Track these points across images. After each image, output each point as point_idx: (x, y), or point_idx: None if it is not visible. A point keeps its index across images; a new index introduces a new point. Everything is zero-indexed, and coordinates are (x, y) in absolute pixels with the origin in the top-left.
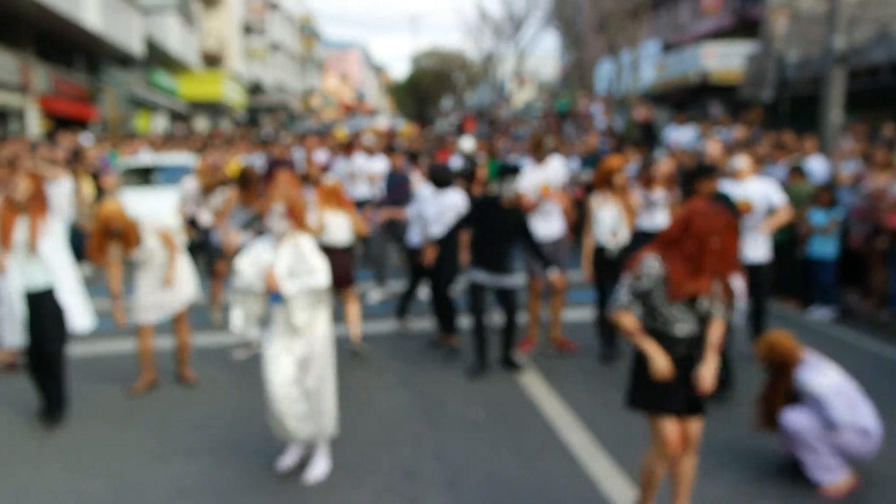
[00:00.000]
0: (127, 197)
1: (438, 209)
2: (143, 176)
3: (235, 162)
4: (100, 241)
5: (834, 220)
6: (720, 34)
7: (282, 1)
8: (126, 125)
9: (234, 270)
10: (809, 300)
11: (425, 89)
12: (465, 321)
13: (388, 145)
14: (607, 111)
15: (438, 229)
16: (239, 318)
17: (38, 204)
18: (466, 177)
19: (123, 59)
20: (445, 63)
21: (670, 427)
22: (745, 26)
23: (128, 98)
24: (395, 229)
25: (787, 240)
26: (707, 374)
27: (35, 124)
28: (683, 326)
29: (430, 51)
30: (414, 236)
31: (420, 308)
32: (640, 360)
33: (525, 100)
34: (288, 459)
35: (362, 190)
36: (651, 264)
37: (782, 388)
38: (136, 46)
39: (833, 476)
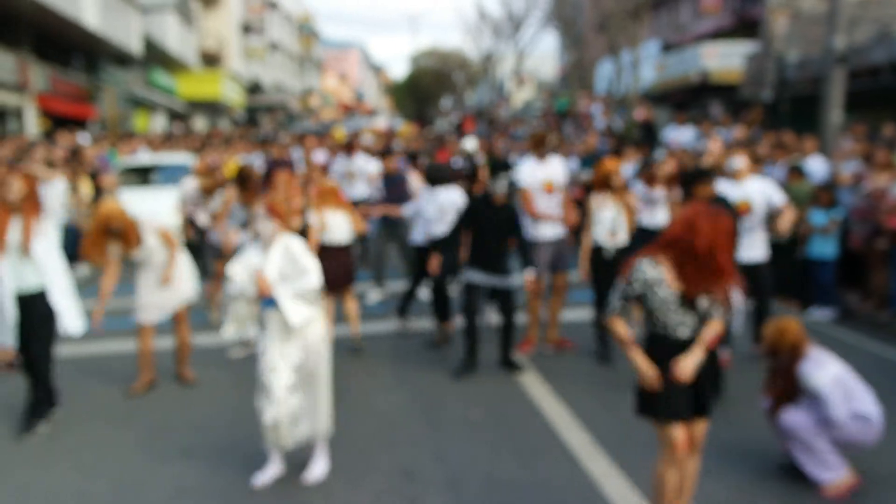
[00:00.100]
0: (125, 196)
1: (437, 208)
2: (142, 175)
3: (234, 162)
4: (96, 240)
5: (834, 221)
6: (720, 34)
7: (281, 0)
8: (124, 124)
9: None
10: (809, 301)
11: (425, 89)
12: (458, 320)
13: (386, 146)
14: (607, 111)
15: (441, 228)
16: (231, 325)
17: (31, 205)
18: (468, 177)
19: (122, 59)
20: (445, 62)
21: (678, 432)
22: (746, 26)
23: (126, 97)
24: (394, 229)
25: (787, 240)
26: (686, 363)
27: (33, 123)
28: (685, 329)
29: (429, 50)
30: (417, 235)
31: (420, 308)
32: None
33: (524, 99)
34: (267, 475)
35: (360, 190)
36: (643, 269)
37: (793, 373)
38: (134, 46)
39: (834, 475)
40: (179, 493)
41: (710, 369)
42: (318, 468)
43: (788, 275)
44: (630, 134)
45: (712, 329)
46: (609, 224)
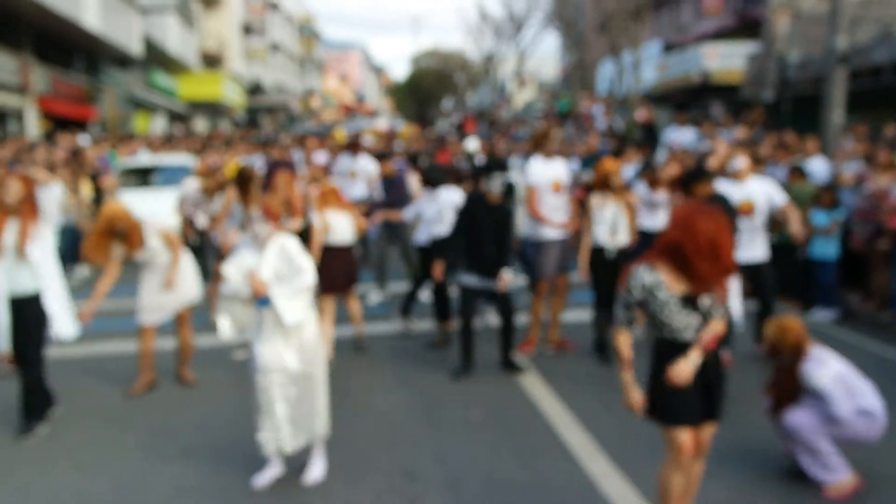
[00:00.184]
0: (125, 197)
1: (436, 209)
2: (142, 177)
3: (235, 163)
4: (100, 241)
5: (835, 221)
6: (722, 34)
7: (282, 1)
8: (125, 126)
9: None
10: (811, 301)
11: (426, 89)
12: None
13: (386, 147)
14: (608, 112)
15: (441, 229)
16: (227, 325)
17: (29, 208)
18: (472, 177)
19: (122, 60)
20: (446, 63)
21: (685, 436)
22: (747, 26)
23: (127, 98)
24: (395, 232)
25: (788, 240)
26: (682, 368)
27: (34, 125)
28: (690, 331)
29: (430, 51)
30: (421, 236)
31: (421, 309)
32: (655, 371)
33: (525, 100)
34: (266, 476)
35: (360, 190)
36: (640, 275)
37: (795, 372)
38: (135, 47)
39: (836, 476)
40: (179, 493)
41: (719, 372)
42: (316, 469)
43: (790, 275)
44: (631, 135)
45: (711, 330)
46: (609, 224)
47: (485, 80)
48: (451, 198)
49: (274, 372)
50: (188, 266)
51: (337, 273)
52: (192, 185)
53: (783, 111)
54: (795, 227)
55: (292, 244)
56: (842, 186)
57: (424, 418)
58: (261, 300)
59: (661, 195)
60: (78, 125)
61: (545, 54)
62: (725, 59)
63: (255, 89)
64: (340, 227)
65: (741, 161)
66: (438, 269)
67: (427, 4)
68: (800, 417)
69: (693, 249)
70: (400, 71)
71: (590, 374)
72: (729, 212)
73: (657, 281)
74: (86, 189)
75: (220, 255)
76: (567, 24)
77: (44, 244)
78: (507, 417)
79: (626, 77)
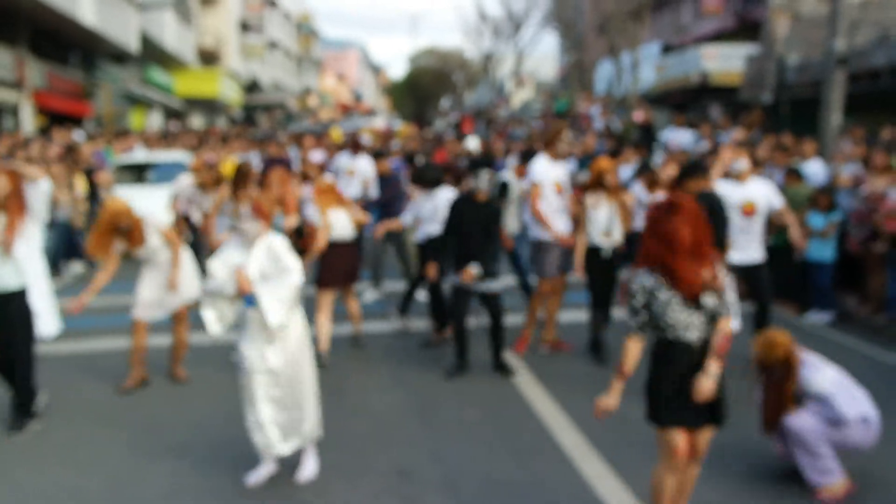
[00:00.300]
0: (120, 194)
1: (432, 208)
2: (137, 173)
3: (231, 160)
4: (104, 237)
5: (832, 224)
6: (721, 36)
7: None
8: (120, 122)
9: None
10: (807, 304)
11: (424, 88)
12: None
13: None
14: (605, 112)
15: (435, 228)
16: (213, 322)
17: (15, 203)
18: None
19: (119, 56)
20: (444, 62)
21: (679, 438)
22: (747, 28)
23: (123, 94)
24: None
25: (785, 243)
26: (705, 384)
27: (29, 120)
28: (693, 331)
29: (428, 49)
30: (420, 235)
31: (418, 308)
32: (654, 374)
33: (523, 100)
34: (260, 474)
35: (355, 188)
36: (639, 279)
37: (790, 388)
38: (131, 43)
39: (829, 479)
40: (174, 490)
41: (722, 376)
42: (309, 468)
43: (786, 278)
44: (628, 135)
45: (721, 332)
46: (604, 224)
47: (483, 79)
48: (447, 196)
49: (257, 373)
50: (187, 264)
51: (338, 269)
52: (186, 180)
53: (781, 113)
54: (795, 233)
55: (280, 243)
56: (839, 189)
57: (420, 418)
58: (247, 298)
59: (659, 196)
60: (73, 121)
61: (543, 54)
62: (724, 61)
63: (252, 87)
64: (340, 224)
65: (744, 162)
66: (432, 269)
67: (425, 3)
68: (804, 421)
69: (667, 256)
70: (398, 70)
71: (584, 374)
72: (717, 209)
73: (657, 281)
74: (80, 185)
75: (213, 252)
76: (566, 25)
77: (30, 241)
78: (502, 418)
79: (625, 78)
